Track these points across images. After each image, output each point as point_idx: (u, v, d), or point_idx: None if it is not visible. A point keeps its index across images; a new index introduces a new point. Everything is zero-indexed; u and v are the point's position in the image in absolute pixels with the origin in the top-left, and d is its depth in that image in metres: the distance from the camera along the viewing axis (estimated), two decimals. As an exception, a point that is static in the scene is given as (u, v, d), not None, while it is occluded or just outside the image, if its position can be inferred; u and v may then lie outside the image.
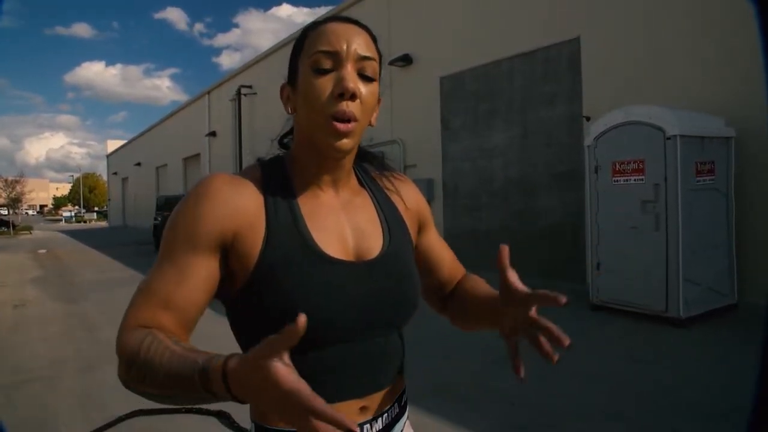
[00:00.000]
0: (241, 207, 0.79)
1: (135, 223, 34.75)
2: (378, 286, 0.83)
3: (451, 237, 10.52)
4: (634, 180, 5.69)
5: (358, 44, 0.81)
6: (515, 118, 9.10)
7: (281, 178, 0.86)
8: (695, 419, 3.27)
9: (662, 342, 4.94)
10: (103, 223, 51.18)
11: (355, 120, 0.79)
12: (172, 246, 0.77)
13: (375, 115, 0.88)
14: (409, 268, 0.91)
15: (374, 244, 0.87)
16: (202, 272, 0.77)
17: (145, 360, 0.67)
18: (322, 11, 15.21)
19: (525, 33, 8.73)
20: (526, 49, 8.77)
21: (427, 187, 10.80)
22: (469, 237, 10.06)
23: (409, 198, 1.00)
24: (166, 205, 16.14)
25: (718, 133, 5.68)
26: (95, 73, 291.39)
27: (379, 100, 0.88)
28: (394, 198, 0.97)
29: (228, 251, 0.78)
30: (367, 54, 0.81)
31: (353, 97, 0.78)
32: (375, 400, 0.84)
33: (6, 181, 42.37)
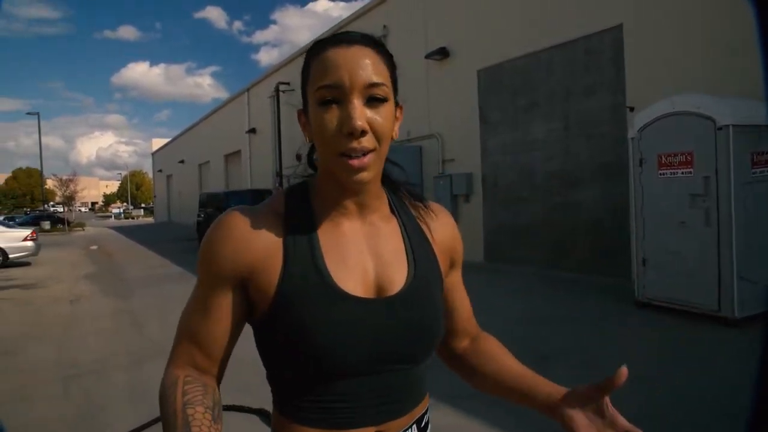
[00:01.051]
0: (255, 243, 0.80)
1: (180, 219, 35.75)
2: (398, 322, 0.80)
3: (490, 232, 10.41)
4: (682, 173, 5.47)
5: (363, 70, 0.76)
6: (556, 111, 8.88)
7: (303, 208, 0.84)
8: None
9: (714, 343, 4.74)
10: (150, 219, 52.94)
11: (371, 151, 0.77)
12: (200, 281, 0.83)
13: (397, 125, 0.85)
14: (434, 304, 0.87)
15: (397, 276, 0.84)
16: (224, 308, 0.81)
17: (167, 406, 0.76)
18: (359, 5, 15.11)
19: (564, 22, 8.50)
20: (566, 38, 8.54)
21: (466, 182, 10.70)
22: (509, 232, 9.92)
23: (444, 232, 0.95)
24: (209, 202, 16.53)
25: (775, 122, 5.39)
26: (140, 73, 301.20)
27: (399, 108, 0.86)
28: (426, 229, 0.93)
29: (247, 285, 0.80)
30: (375, 80, 0.76)
31: (363, 133, 0.75)
32: (392, 426, 0.83)
33: (61, 180, 44.36)
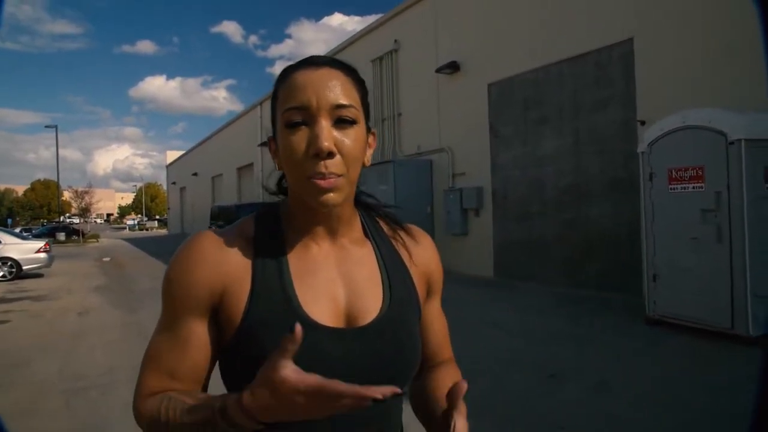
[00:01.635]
0: (228, 267, 0.77)
1: (192, 231, 35.16)
2: (370, 353, 0.77)
3: (500, 247, 10.33)
4: (693, 188, 5.39)
5: (331, 91, 0.74)
6: (566, 125, 8.84)
7: (273, 232, 0.82)
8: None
9: (728, 362, 4.62)
10: (164, 231, 53.42)
11: (339, 176, 0.74)
12: (169, 313, 0.78)
13: (369, 153, 0.82)
14: (410, 333, 0.83)
15: (371, 305, 0.80)
16: (202, 337, 0.77)
17: (167, 420, 0.71)
18: (371, 19, 15.34)
19: (574, 36, 8.49)
20: (576, 52, 8.52)
21: (476, 196, 10.65)
22: (519, 247, 9.83)
23: (421, 255, 0.91)
24: (220, 215, 16.63)
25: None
26: (157, 86, 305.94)
27: (372, 134, 0.83)
28: (403, 253, 0.89)
29: (217, 310, 0.77)
30: (342, 102, 0.74)
31: (330, 154, 0.73)
32: None
33: (76, 192, 45.01)
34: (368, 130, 0.81)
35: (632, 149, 7.29)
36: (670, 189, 5.58)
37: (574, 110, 8.68)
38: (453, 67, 11.23)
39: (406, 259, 0.88)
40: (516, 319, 6.70)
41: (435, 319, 0.96)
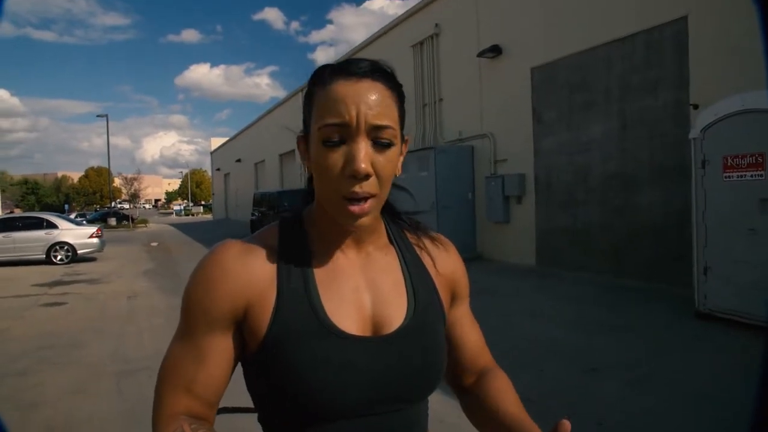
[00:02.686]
0: (251, 279, 0.76)
1: (236, 216, 36.84)
2: (396, 362, 0.76)
3: (544, 235, 10.12)
4: (751, 176, 5.10)
5: (371, 109, 0.71)
6: (613, 109, 8.51)
7: (298, 241, 0.81)
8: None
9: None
10: (209, 216, 54.87)
11: (372, 197, 0.73)
12: (189, 325, 0.76)
13: (401, 160, 0.80)
14: (436, 341, 0.82)
15: (396, 313, 0.80)
16: (221, 352, 0.76)
17: None
18: (413, 2, 15.02)
19: (623, 15, 8.12)
20: (625, 33, 8.16)
21: (518, 183, 10.45)
22: (564, 235, 9.60)
23: (445, 262, 0.90)
24: (263, 201, 16.93)
25: None
26: (201, 74, 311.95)
27: (405, 141, 0.81)
28: (426, 260, 0.88)
29: (241, 323, 0.76)
30: (382, 123, 0.72)
31: (367, 176, 0.71)
32: None
33: (126, 178, 46.81)
34: (402, 138, 0.79)
35: (684, 134, 6.95)
36: (725, 177, 5.30)
37: (622, 94, 8.35)
38: (495, 51, 10.97)
39: (429, 266, 0.88)
40: (558, 309, 6.56)
41: (466, 325, 0.94)
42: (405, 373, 0.76)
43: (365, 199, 0.72)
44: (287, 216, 0.85)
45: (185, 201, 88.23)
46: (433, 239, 0.92)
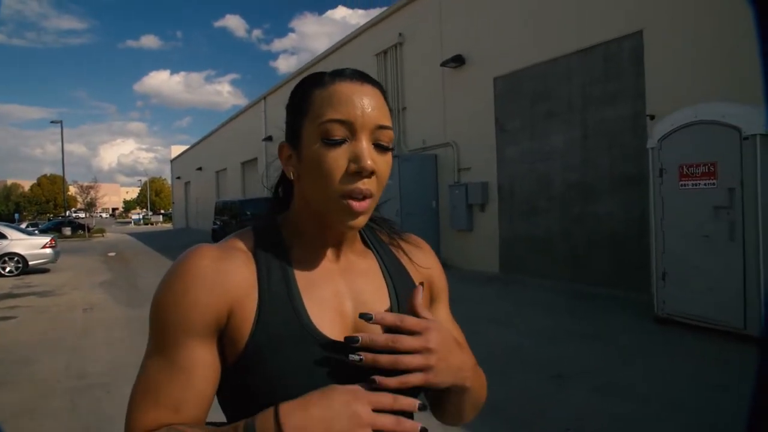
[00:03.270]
0: (233, 285, 0.71)
1: (197, 226, 36.07)
2: (378, 369, 0.72)
3: (507, 243, 10.25)
4: (705, 184, 5.29)
5: (374, 110, 0.72)
6: (574, 119, 8.72)
7: (275, 245, 0.77)
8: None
9: (739, 362, 4.54)
10: (168, 226, 53.57)
11: (371, 197, 0.72)
12: (167, 339, 0.70)
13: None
14: None
15: None
16: (209, 365, 0.71)
17: None
18: (375, 12, 15.24)
19: (582, 28, 8.36)
20: (585, 45, 8.39)
21: (482, 191, 10.57)
22: (526, 243, 9.74)
23: (422, 261, 0.88)
24: (225, 210, 16.62)
25: (804, 131, 5.18)
26: (161, 81, 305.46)
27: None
28: (404, 259, 0.87)
29: (223, 332, 0.71)
30: (384, 123, 0.73)
31: (371, 174, 0.71)
32: None
33: (82, 186, 45.27)
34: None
35: (642, 144, 7.18)
36: (681, 185, 5.48)
37: (583, 104, 8.57)
38: (458, 61, 11.11)
39: (408, 266, 0.87)
40: (523, 316, 6.63)
41: (446, 324, 0.91)
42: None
43: (365, 198, 0.71)
44: (261, 222, 0.82)
45: (144, 210, 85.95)
46: (407, 240, 0.90)
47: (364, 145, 0.71)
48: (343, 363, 0.71)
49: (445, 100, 11.69)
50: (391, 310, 0.79)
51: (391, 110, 0.78)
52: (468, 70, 11.05)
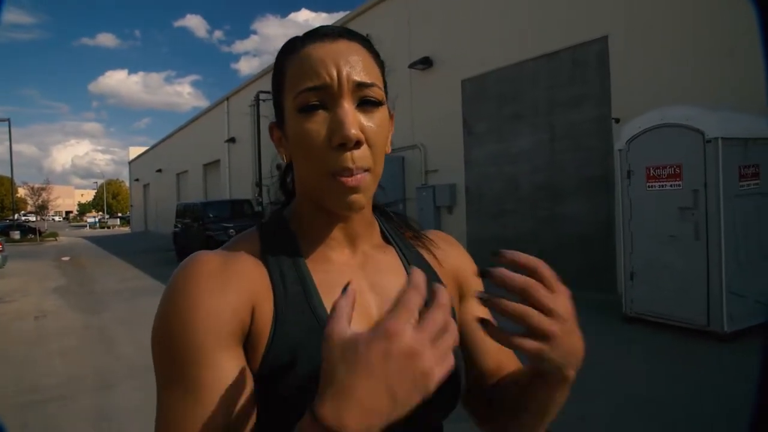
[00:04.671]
0: (249, 284, 0.62)
1: (156, 229, 35.13)
2: None
3: (475, 244, 10.27)
4: (671, 186, 5.39)
5: (352, 67, 0.62)
6: (542, 122, 8.81)
7: (286, 244, 0.67)
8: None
9: (704, 358, 4.64)
10: (126, 229, 51.95)
11: (366, 171, 0.63)
12: (186, 366, 0.57)
13: (389, 138, 0.71)
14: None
15: None
16: (244, 379, 0.58)
17: None
18: (339, 15, 15.17)
19: (549, 33, 8.46)
20: (551, 49, 8.49)
21: (449, 193, 10.57)
22: (494, 244, 9.78)
23: (449, 257, 0.79)
24: (186, 212, 16.15)
25: (763, 134, 5.34)
26: (118, 81, 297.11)
27: (391, 116, 0.72)
28: (428, 257, 0.78)
29: (246, 337, 0.61)
30: (366, 80, 0.63)
31: (358, 144, 0.61)
32: None
33: (32, 188, 43.40)
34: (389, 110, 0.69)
35: (607, 147, 7.32)
36: (648, 187, 5.57)
37: (549, 107, 8.67)
38: (426, 63, 11.11)
39: (432, 263, 0.78)
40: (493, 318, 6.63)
41: None
42: None
43: (359, 173, 0.62)
44: (267, 219, 0.72)
45: (100, 213, 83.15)
46: (432, 237, 0.82)
47: (345, 109, 0.61)
48: None
49: (413, 101, 11.66)
50: None
51: (383, 63, 0.69)
52: (436, 72, 11.06)
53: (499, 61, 9.45)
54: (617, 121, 7.20)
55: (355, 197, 0.62)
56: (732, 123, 5.19)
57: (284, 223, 0.70)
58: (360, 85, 0.62)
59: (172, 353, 0.58)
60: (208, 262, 0.61)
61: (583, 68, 8.05)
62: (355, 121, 0.61)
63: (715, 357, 4.64)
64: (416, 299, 0.48)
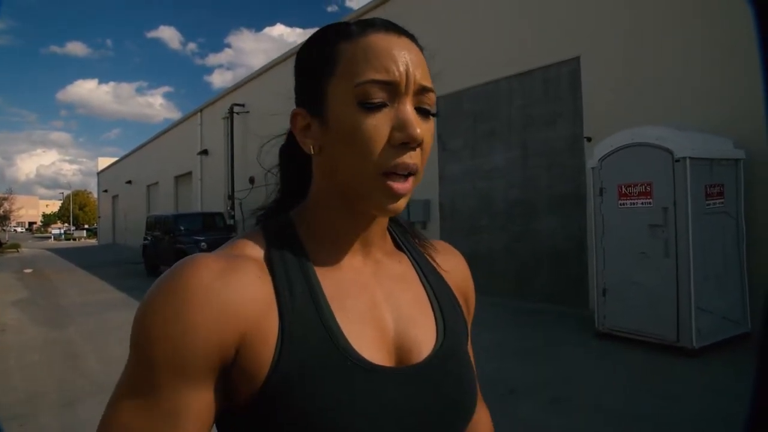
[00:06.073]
0: (245, 303, 0.56)
1: (125, 241, 34.33)
2: (433, 399, 0.61)
3: (448, 259, 10.31)
4: (642, 203, 5.51)
5: (417, 69, 0.61)
6: (515, 139, 8.95)
7: (294, 249, 0.62)
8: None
9: (674, 373, 4.72)
10: (93, 241, 50.59)
11: (415, 174, 0.61)
12: (151, 378, 0.53)
13: None
14: (469, 366, 0.70)
15: (425, 335, 0.65)
16: (204, 411, 0.54)
17: None
18: (313, 31, 15.21)
19: (523, 52, 8.63)
20: (525, 68, 8.66)
21: (423, 209, 10.61)
22: (467, 260, 9.71)
23: (457, 271, 0.78)
24: (156, 225, 15.82)
25: (727, 155, 5.53)
26: (88, 90, 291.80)
27: None
28: (439, 268, 0.75)
29: (231, 366, 0.55)
30: (428, 84, 0.62)
31: (418, 145, 0.60)
32: None
33: (-6, 198, 42.02)
34: None
35: (580, 164, 7.47)
36: (620, 204, 5.69)
37: (523, 125, 8.82)
38: (402, 79, 11.19)
39: (443, 273, 0.75)
40: (468, 334, 6.63)
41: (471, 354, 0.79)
42: (445, 407, 0.62)
43: (408, 176, 0.60)
44: (272, 220, 0.67)
45: (66, 224, 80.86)
46: (438, 247, 0.78)
47: (409, 110, 0.59)
48: (395, 392, 0.58)
49: (389, 117, 11.73)
50: (436, 326, 0.67)
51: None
52: (411, 88, 11.15)
53: (474, 79, 9.59)
54: (589, 139, 7.37)
55: (399, 204, 0.60)
56: (699, 143, 5.35)
57: (291, 225, 0.65)
58: (423, 90, 0.61)
59: (140, 361, 0.54)
60: (201, 269, 0.55)
61: (556, 87, 8.23)
62: (418, 122, 0.60)
63: (684, 371, 4.72)
64: None
